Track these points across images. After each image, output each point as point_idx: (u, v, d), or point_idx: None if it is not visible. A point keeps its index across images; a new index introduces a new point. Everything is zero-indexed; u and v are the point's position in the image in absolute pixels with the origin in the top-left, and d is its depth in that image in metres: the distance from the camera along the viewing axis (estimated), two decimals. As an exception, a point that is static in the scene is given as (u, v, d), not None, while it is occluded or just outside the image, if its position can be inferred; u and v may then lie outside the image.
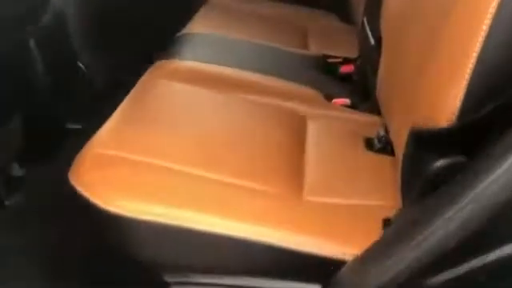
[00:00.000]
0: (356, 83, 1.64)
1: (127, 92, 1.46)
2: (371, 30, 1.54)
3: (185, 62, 1.61)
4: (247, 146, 1.25)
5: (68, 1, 1.95)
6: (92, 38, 2.04)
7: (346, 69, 1.68)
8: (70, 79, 2.00)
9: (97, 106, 1.95)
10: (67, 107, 1.98)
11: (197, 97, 1.46)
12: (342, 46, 1.96)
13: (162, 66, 1.61)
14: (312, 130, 1.39)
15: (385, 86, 1.33)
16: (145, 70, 1.61)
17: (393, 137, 1.18)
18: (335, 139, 1.35)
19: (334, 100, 1.54)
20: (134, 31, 2.19)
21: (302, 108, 1.48)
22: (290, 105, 1.49)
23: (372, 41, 1.50)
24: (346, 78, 1.67)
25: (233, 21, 2.05)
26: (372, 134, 1.36)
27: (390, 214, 1.05)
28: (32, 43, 1.74)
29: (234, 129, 1.31)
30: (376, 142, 1.32)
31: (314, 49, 1.93)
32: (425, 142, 0.89)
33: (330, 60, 1.79)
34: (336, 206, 1.10)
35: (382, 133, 1.32)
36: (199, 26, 1.91)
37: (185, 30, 1.87)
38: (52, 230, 1.63)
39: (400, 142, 1.06)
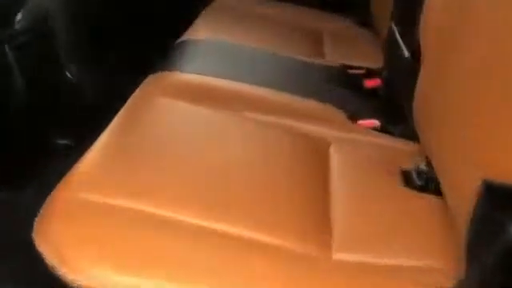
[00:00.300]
0: (384, 100, 1.40)
1: (121, 103, 1.26)
2: (404, 40, 1.31)
3: (184, 75, 1.38)
4: (258, 184, 1.01)
5: (57, 4, 1.73)
6: (81, 44, 1.81)
7: (371, 83, 1.44)
8: (56, 90, 1.78)
9: (88, 118, 1.76)
10: (54, 121, 1.77)
11: (197, 118, 1.24)
12: (362, 55, 1.73)
13: (159, 79, 1.38)
14: (336, 159, 1.15)
15: (427, 111, 1.10)
16: (141, 79, 1.39)
17: (442, 178, 0.95)
18: (365, 172, 1.12)
19: (360, 121, 1.30)
20: (130, 36, 1.96)
21: (322, 131, 1.25)
22: (307, 127, 1.26)
23: (406, 52, 1.26)
24: (371, 94, 1.44)
25: (239, 25, 1.82)
26: (409, 165, 1.13)
27: (444, 279, 0.83)
28: (8, 49, 1.52)
29: (241, 161, 1.08)
30: (415, 176, 1.09)
31: (331, 58, 1.70)
32: (506, 200, 0.67)
33: (351, 71, 1.56)
34: (374, 268, 0.87)
35: (422, 166, 1.09)
36: (201, 32, 1.68)
37: (185, 36, 1.64)
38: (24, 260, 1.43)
39: (458, 190, 0.83)
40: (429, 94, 1.12)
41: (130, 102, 1.28)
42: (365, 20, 2.03)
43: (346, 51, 1.76)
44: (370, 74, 1.55)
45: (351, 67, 1.58)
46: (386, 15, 1.68)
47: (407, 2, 1.31)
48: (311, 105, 1.35)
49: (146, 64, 1.54)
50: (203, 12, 1.89)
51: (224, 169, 1.03)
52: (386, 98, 1.39)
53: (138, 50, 1.94)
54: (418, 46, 1.18)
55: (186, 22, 1.82)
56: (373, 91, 1.44)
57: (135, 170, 0.96)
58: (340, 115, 1.32)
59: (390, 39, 1.47)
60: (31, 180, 1.61)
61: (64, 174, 0.97)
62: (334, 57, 1.71)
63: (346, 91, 1.42)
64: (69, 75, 1.78)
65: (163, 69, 1.41)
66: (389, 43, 1.49)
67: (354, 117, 1.31)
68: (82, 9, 1.81)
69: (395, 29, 1.43)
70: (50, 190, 0.93)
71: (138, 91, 1.33)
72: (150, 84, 1.36)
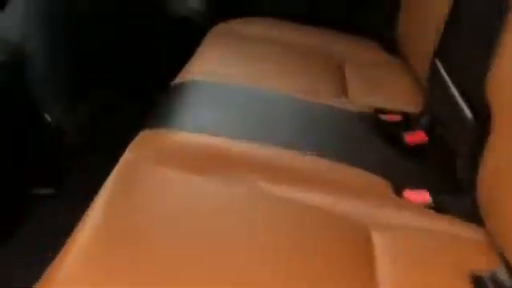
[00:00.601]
0: (432, 162, 1.13)
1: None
2: (463, 95, 1.04)
3: (181, 134, 1.11)
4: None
5: (31, 36, 1.46)
6: (63, 82, 1.55)
7: (415, 139, 1.17)
8: (34, 135, 1.53)
9: (71, 165, 1.59)
10: (32, 169, 1.54)
11: (199, 194, 0.98)
12: (392, 90, 1.47)
13: (151, 139, 1.11)
14: (383, 254, 0.89)
15: (499, 194, 0.84)
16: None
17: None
18: (423, 276, 0.86)
19: (406, 192, 1.03)
20: (120, 72, 1.70)
21: (359, 210, 0.99)
22: (338, 204, 0.99)
23: (467, 112, 1.00)
24: (413, 151, 1.17)
25: (243, 56, 1.55)
26: (480, 265, 0.86)
27: None
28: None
29: (260, 256, 0.82)
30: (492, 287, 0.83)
31: (356, 96, 1.43)
32: None
33: (385, 117, 1.29)
34: None
35: (501, 275, 0.83)
36: (200, 68, 1.41)
37: (182, 76, 1.37)
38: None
39: None
40: (503, 172, 0.86)
41: (118, 170, 1.03)
42: (388, 43, 1.76)
43: (372, 86, 1.49)
44: (407, 119, 1.29)
45: (383, 111, 1.32)
46: (420, 42, 1.43)
47: (465, 40, 1.05)
48: (342, 170, 1.08)
49: (136, 104, 1.30)
50: (204, 40, 1.62)
51: (237, 269, 0.77)
52: (435, 160, 1.12)
53: (128, 87, 1.68)
54: (486, 104, 0.92)
55: (185, 50, 1.57)
56: (415, 147, 1.17)
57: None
58: (380, 184, 1.05)
59: (436, 82, 1.21)
60: (9, 237, 1.39)
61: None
62: (359, 94, 1.44)
63: (384, 149, 1.15)
64: (48, 118, 1.52)
65: (156, 124, 1.15)
66: (433, 86, 1.23)
67: (398, 187, 1.04)
68: (63, 37, 1.55)
69: (442, 69, 1.17)
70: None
71: (127, 154, 1.08)
72: (141, 145, 1.10)
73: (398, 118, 1.29)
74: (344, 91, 1.46)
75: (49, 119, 1.52)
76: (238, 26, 1.76)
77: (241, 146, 1.09)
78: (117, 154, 1.05)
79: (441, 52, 1.18)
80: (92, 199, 0.94)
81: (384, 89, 1.48)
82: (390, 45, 1.74)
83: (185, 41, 1.70)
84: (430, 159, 1.13)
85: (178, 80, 1.35)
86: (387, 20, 1.76)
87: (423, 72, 1.35)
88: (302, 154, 1.09)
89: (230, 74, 1.40)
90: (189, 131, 1.11)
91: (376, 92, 1.45)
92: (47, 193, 1.56)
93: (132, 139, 1.12)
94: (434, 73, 1.22)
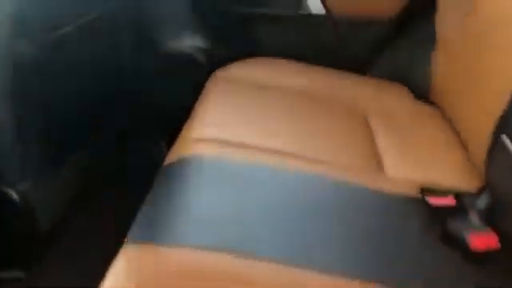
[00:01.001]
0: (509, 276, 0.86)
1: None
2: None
3: (174, 252, 0.83)
4: None
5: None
6: (32, 152, 1.27)
7: (484, 244, 0.89)
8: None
9: (39, 246, 1.38)
10: None
11: None
12: (437, 159, 1.19)
13: (135, 261, 0.84)
14: None
15: None
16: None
17: None
18: None
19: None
20: (106, 133, 1.44)
21: None
22: None
23: None
24: (481, 261, 0.89)
25: (251, 112, 1.27)
26: None
27: None
28: None
29: None
30: None
31: (394, 169, 1.13)
32: None
33: (435, 202, 1.01)
34: None
35: None
36: (199, 134, 1.14)
37: (177, 149, 1.10)
38: None
39: None
40: None
41: None
42: (419, 85, 1.50)
43: (410, 151, 1.21)
44: (459, 200, 1.02)
45: (430, 190, 1.04)
46: (468, 100, 1.17)
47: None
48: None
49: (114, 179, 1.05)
50: (203, 93, 1.36)
51: None
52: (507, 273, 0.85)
53: (116, 153, 1.41)
54: None
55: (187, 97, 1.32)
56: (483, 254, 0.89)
57: None
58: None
59: (501, 161, 0.94)
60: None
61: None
62: (395, 164, 1.16)
63: (446, 261, 0.87)
64: (14, 195, 1.26)
65: (142, 237, 0.87)
66: (497, 165, 0.97)
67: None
68: (35, 99, 1.27)
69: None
70: None
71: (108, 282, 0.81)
72: (124, 270, 0.82)
73: (450, 201, 1.02)
74: (376, 158, 1.18)
75: (15, 196, 1.26)
76: (241, 70, 1.48)
77: (259, 266, 0.82)
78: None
79: (509, 127, 0.91)
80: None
81: (425, 154, 1.20)
82: (422, 87, 1.47)
83: (186, 85, 1.45)
84: (505, 273, 0.85)
85: (169, 159, 1.07)
86: (418, 59, 1.49)
87: (473, 136, 1.09)
88: (333, 277, 0.82)
89: (233, 143, 1.12)
90: (183, 247, 0.84)
91: (416, 161, 1.17)
92: (15, 276, 1.34)
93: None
94: (497, 149, 0.95)
